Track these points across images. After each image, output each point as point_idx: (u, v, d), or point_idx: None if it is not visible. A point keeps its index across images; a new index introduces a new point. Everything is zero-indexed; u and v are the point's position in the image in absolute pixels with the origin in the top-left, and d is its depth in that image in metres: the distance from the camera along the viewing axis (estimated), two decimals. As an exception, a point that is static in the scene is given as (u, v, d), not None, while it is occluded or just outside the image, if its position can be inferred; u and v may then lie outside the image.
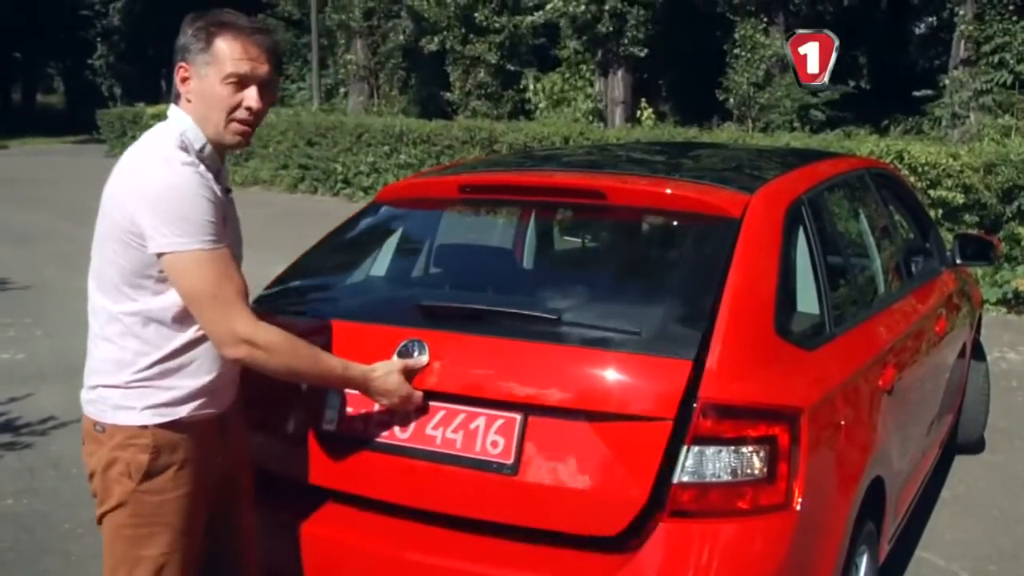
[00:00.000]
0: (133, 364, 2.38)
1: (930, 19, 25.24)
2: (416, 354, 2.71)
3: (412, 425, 2.72)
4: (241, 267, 2.52)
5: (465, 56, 22.94)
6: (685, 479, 2.47)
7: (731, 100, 19.42)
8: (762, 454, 2.52)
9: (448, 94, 23.56)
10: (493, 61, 22.57)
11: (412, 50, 25.46)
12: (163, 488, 2.38)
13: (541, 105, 21.19)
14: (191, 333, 2.41)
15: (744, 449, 2.51)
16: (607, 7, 19.79)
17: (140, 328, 2.37)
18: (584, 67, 21.34)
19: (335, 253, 3.63)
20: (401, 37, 25.64)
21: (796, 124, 17.88)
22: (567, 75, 21.52)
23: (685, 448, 2.47)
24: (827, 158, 4.51)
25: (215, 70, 2.39)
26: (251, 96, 2.42)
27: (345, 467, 2.81)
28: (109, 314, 2.40)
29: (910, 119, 18.55)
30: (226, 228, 2.41)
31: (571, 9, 20.17)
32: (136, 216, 2.30)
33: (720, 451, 2.49)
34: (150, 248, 2.30)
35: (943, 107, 16.73)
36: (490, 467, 2.59)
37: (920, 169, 10.19)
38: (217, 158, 2.48)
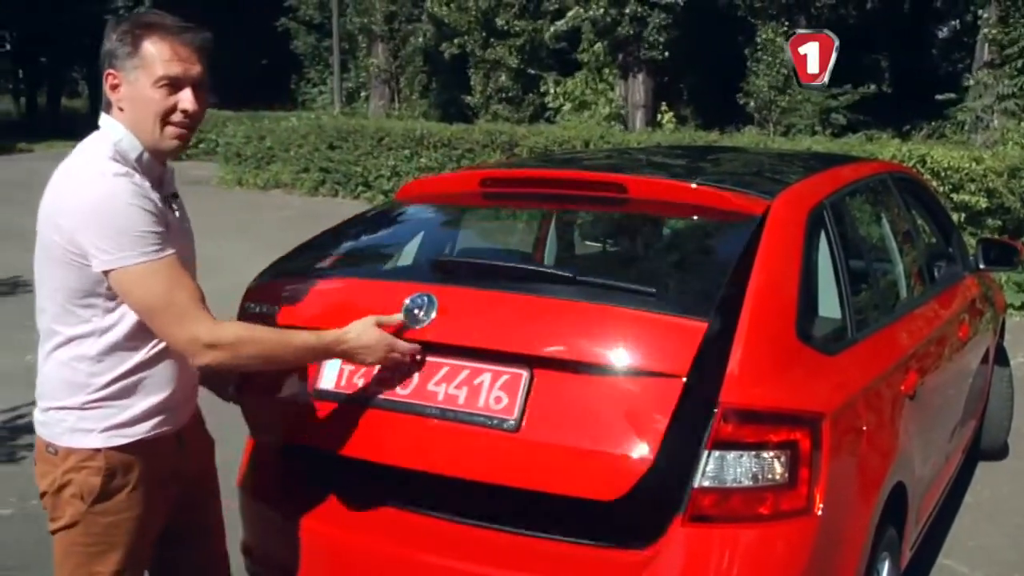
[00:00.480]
0: (87, 385, 2.32)
1: (953, 22, 25.09)
2: (424, 309, 2.65)
3: (414, 381, 2.65)
4: (196, 272, 2.47)
5: (486, 60, 22.97)
6: (706, 483, 2.46)
7: (752, 104, 19.39)
8: (783, 459, 2.51)
9: (469, 98, 23.59)
10: (514, 65, 22.59)
11: (433, 54, 25.52)
12: (116, 509, 2.34)
13: (562, 109, 21.19)
14: (145, 351, 2.35)
15: (765, 454, 2.50)
16: (627, 11, 19.79)
17: (93, 348, 2.31)
18: (605, 71, 21.33)
19: (347, 240, 3.63)
20: (422, 41, 25.70)
21: (817, 128, 17.82)
22: (588, 79, 21.51)
23: (706, 452, 2.46)
24: (849, 162, 4.49)
25: (145, 74, 2.29)
26: (186, 98, 2.32)
27: (343, 428, 2.74)
28: (60, 335, 2.33)
29: (932, 123, 18.47)
30: (171, 234, 2.33)
31: (592, 13, 20.17)
32: (75, 235, 2.22)
33: (741, 456, 2.48)
34: (94, 267, 2.23)
35: (966, 111, 16.64)
36: (491, 423, 2.53)
37: (943, 173, 10.13)
38: (157, 164, 2.39)
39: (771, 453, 2.50)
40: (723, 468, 2.47)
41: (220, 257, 12.12)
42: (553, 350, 2.56)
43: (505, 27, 22.43)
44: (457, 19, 22.95)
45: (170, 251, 2.27)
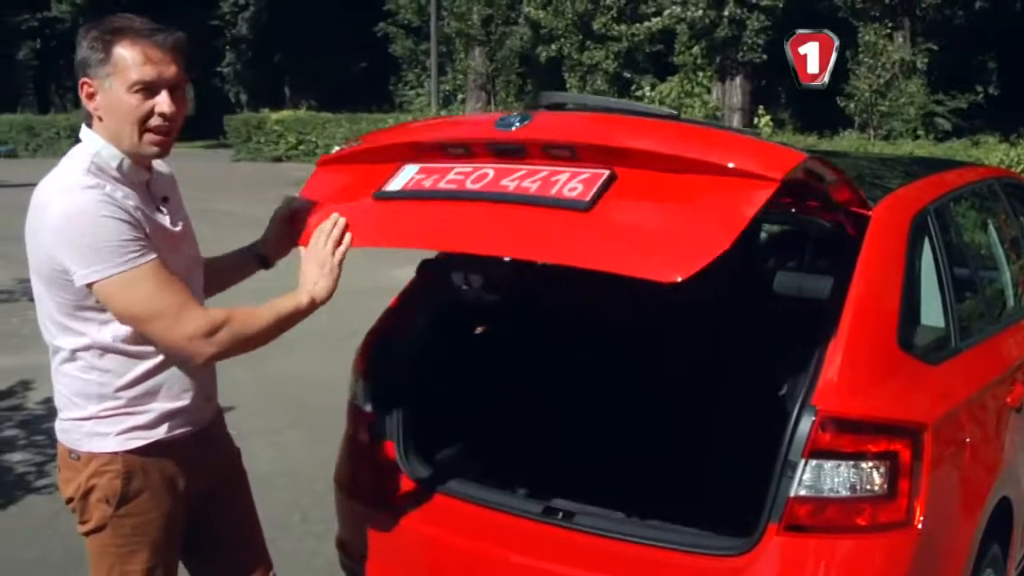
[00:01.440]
0: (99, 395, 2.31)
1: (1067, 23, 24.22)
2: (516, 122, 2.54)
3: (487, 180, 2.51)
4: (200, 271, 2.48)
5: (582, 63, 22.96)
6: (802, 493, 2.43)
7: (852, 107, 19.03)
8: (883, 470, 2.46)
9: (564, 101, 23.58)
10: (610, 69, 22.54)
11: (529, 57, 25.62)
12: (140, 511, 2.36)
13: (659, 112, 21.06)
14: (153, 356, 2.32)
15: (864, 464, 2.45)
16: (726, 13, 19.61)
17: (98, 360, 2.29)
18: (701, 74, 21.15)
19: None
20: (518, 44, 25.82)
21: (920, 132, 17.39)
22: (683, 82, 21.36)
23: (803, 461, 2.43)
24: (953, 167, 4.38)
25: (119, 80, 2.22)
26: (163, 101, 2.25)
27: (411, 222, 2.60)
28: (64, 350, 2.32)
29: (1043, 127, 17.86)
30: (157, 239, 2.28)
31: (689, 14, 20.02)
32: (53, 252, 2.20)
33: (839, 465, 2.44)
34: (76, 282, 2.19)
35: (1080, 115, 16.06)
36: (562, 204, 2.36)
37: (1054, 179, 9.80)
38: (142, 170, 2.34)
39: (870, 463, 2.46)
40: (820, 477, 2.44)
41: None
42: (634, 150, 2.39)
43: (602, 31, 22.39)
44: (553, 22, 22.99)
45: (150, 257, 2.22)
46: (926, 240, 3.11)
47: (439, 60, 26.99)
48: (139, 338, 2.29)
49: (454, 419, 3.47)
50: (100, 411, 2.32)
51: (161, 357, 2.33)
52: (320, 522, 4.28)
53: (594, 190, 2.32)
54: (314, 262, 2.44)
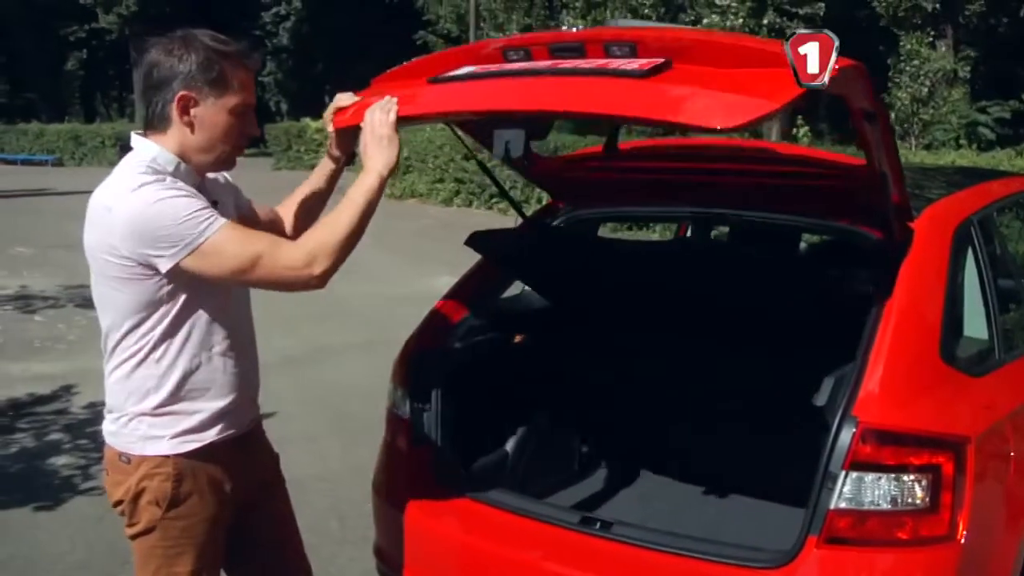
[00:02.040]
0: (155, 393, 2.38)
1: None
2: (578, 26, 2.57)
3: (545, 64, 2.50)
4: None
5: (620, 72, 22.95)
6: (842, 505, 2.41)
7: (893, 116, 18.83)
8: (924, 483, 2.44)
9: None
10: (648, 77, 22.53)
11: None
12: (189, 513, 2.42)
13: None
14: (205, 356, 2.40)
15: (906, 477, 2.43)
16: (765, 21, 19.52)
17: (155, 357, 2.37)
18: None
19: None
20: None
21: (963, 142, 17.20)
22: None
23: (843, 473, 2.41)
24: (997, 177, 4.33)
25: (224, 100, 2.35)
26: (252, 124, 2.43)
27: (462, 93, 2.59)
28: (123, 348, 2.39)
29: (1090, 137, 17.61)
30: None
31: (728, 23, 19.97)
32: (132, 251, 2.26)
33: (880, 478, 2.42)
34: (162, 269, 2.26)
35: None
36: (619, 74, 2.34)
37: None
38: (195, 175, 2.42)
39: (912, 476, 2.43)
40: (860, 490, 2.42)
41: (359, 266, 12.44)
42: (699, 37, 2.40)
43: (640, 39, 22.41)
44: (592, 31, 23.04)
45: (223, 219, 2.30)
46: (969, 251, 3.08)
47: (478, 69, 27.06)
48: (192, 339, 2.37)
49: (492, 427, 3.48)
50: (155, 408, 2.38)
51: (214, 357, 2.42)
52: (358, 529, 4.30)
53: (652, 66, 2.31)
54: (371, 139, 2.48)
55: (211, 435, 2.43)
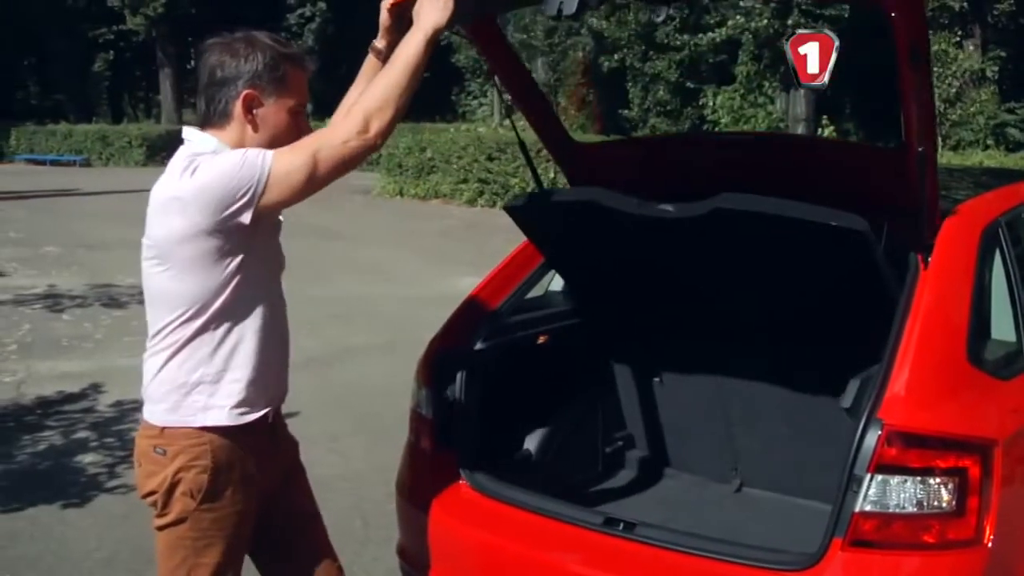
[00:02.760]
0: (210, 367, 2.44)
1: None
2: None
3: None
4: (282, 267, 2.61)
5: (645, 73, 22.90)
6: (867, 508, 2.40)
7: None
8: (951, 486, 2.42)
9: (627, 111, 23.56)
10: (673, 78, 22.45)
11: (592, 67, 25.63)
12: (221, 505, 2.47)
13: (722, 121, 20.95)
14: (255, 331, 2.47)
15: (931, 480, 2.42)
16: (790, 22, 19.42)
17: (214, 336, 2.44)
18: (765, 84, 20.99)
19: None
20: (581, 55, 25.85)
21: (989, 142, 17.06)
22: (743, 92, 21.21)
23: (868, 476, 2.40)
24: (1026, 178, 4.28)
25: (283, 99, 2.47)
26: (306, 123, 2.53)
27: None
28: (171, 326, 2.44)
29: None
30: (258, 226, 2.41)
31: (753, 24, 19.89)
32: (217, 218, 2.32)
33: (905, 481, 2.40)
34: (247, 220, 2.32)
35: None
36: None
37: None
38: None
39: (938, 479, 2.42)
40: (886, 492, 2.40)
41: (384, 265, 12.49)
42: None
43: (666, 41, 22.32)
44: (617, 33, 22.97)
45: (269, 151, 2.36)
46: (997, 252, 3.05)
47: (502, 70, 27.10)
48: (235, 311, 2.43)
49: (515, 427, 3.49)
50: (213, 381, 2.45)
51: (251, 330, 2.46)
52: (381, 528, 4.32)
53: None
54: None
55: (261, 407, 2.50)
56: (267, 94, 2.45)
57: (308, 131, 2.50)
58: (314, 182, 2.38)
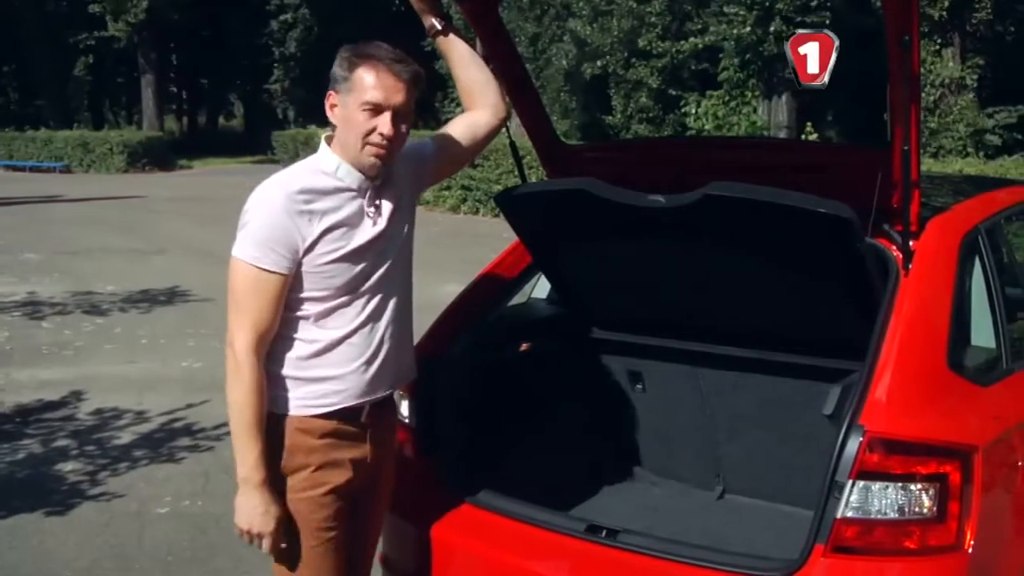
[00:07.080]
0: (297, 354, 2.57)
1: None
2: None
3: None
4: (408, 269, 2.72)
5: (627, 80, 22.95)
6: (849, 514, 2.40)
7: (901, 125, 18.82)
8: (932, 492, 2.43)
9: (609, 118, 23.59)
10: (655, 85, 22.51)
11: (574, 74, 25.67)
12: (300, 487, 2.56)
13: (705, 128, 21.02)
14: (341, 326, 2.57)
15: (913, 486, 2.42)
16: (772, 29, 19.51)
17: (295, 325, 2.56)
18: (748, 92, 21.07)
19: None
20: (564, 62, 25.89)
21: (969, 149, 17.17)
22: (726, 99, 21.28)
23: (850, 482, 2.40)
24: (1005, 185, 4.32)
25: (353, 98, 2.53)
26: (384, 123, 2.53)
27: None
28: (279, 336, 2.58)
29: (1099, 144, 17.57)
30: (348, 234, 2.55)
31: (736, 32, 19.97)
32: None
33: (887, 487, 2.41)
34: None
35: None
36: None
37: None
38: (359, 176, 2.58)
39: (919, 485, 2.43)
40: (868, 499, 2.41)
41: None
42: None
43: (647, 48, 22.38)
44: (599, 39, 23.02)
45: (277, 273, 2.47)
46: (977, 259, 3.07)
47: (485, 77, 27.08)
48: (325, 311, 2.56)
49: (498, 436, 3.48)
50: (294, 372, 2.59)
51: (347, 329, 2.59)
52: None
53: None
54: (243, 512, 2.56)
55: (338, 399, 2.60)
56: (341, 93, 2.55)
57: (386, 132, 2.52)
58: (229, 299, 2.52)
